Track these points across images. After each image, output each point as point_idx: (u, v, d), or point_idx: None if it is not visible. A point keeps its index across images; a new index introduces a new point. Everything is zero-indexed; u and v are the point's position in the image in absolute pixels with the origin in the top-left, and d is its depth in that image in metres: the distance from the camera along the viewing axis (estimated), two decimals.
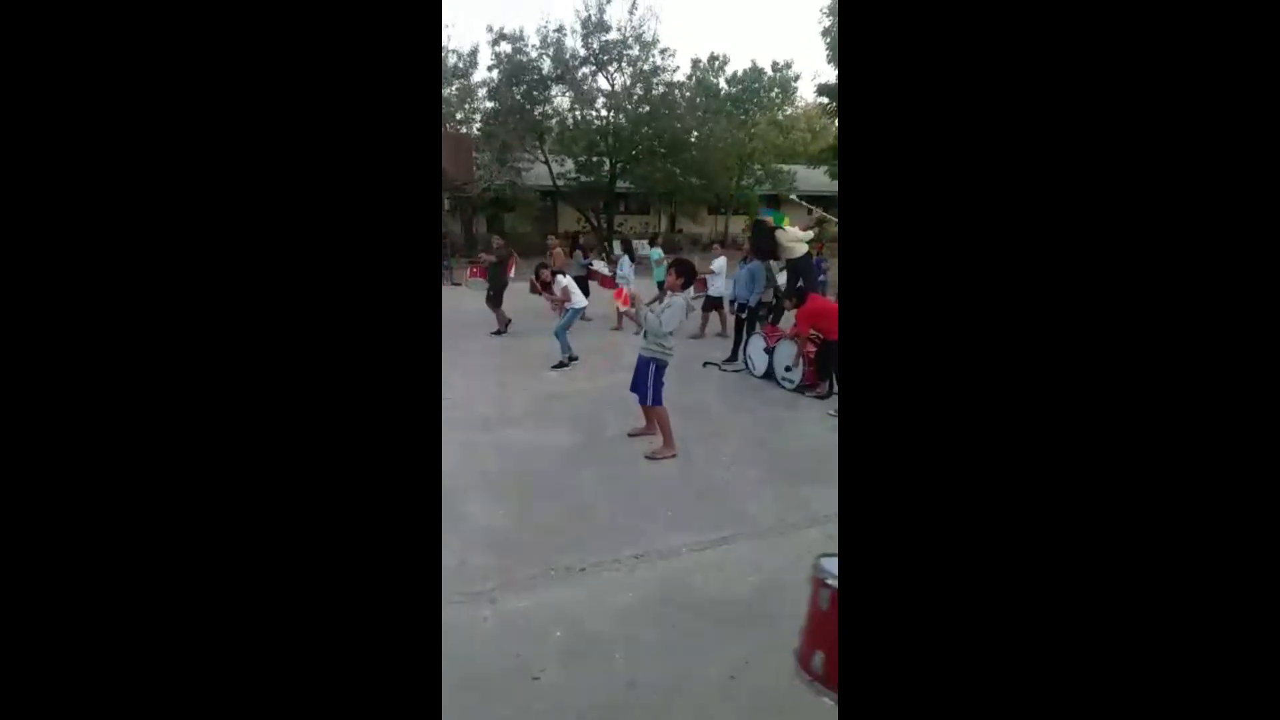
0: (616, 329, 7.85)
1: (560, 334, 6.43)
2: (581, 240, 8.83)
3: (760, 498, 3.51)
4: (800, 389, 5.50)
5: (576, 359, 6.42)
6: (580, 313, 6.78)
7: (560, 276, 6.72)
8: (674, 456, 4.04)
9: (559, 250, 8.01)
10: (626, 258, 8.65)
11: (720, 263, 7.83)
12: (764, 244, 6.38)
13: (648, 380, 4.01)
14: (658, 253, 9.20)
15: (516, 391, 5.62)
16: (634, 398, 4.15)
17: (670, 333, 3.99)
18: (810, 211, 6.91)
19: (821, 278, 7.28)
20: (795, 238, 6.32)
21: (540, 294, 7.01)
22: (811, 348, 5.45)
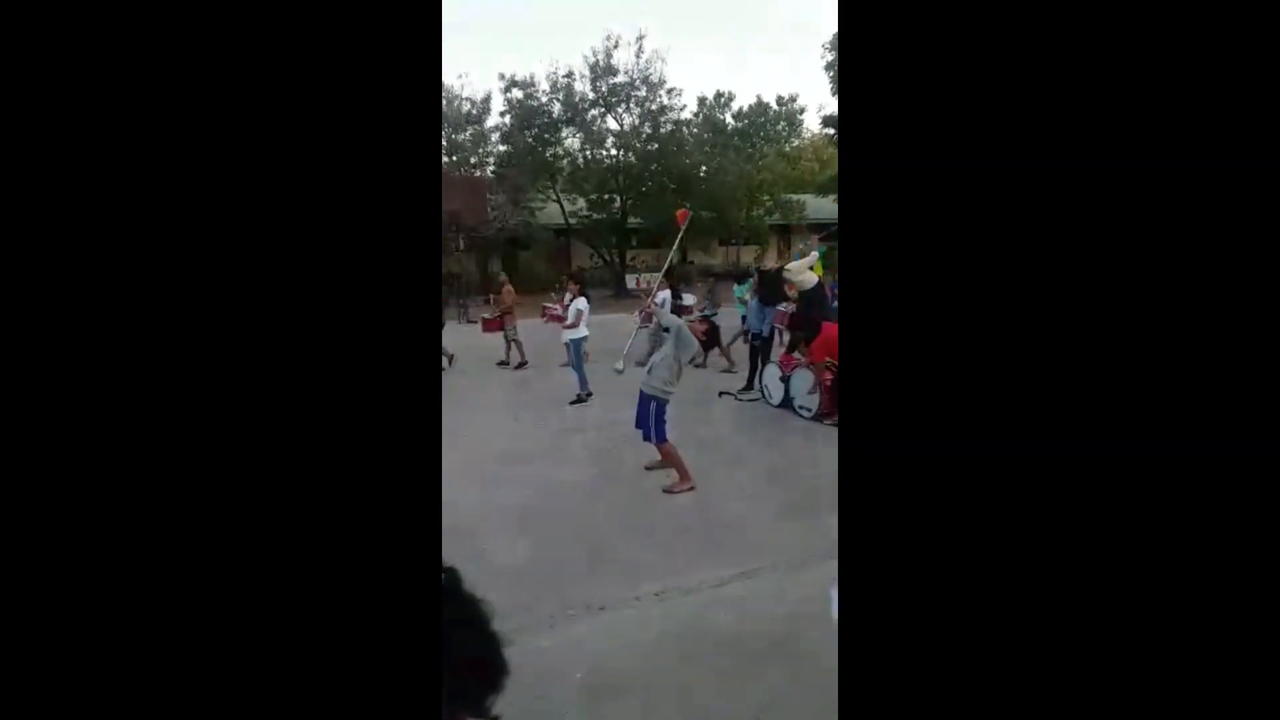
0: (512, 364, 8.09)
1: (578, 369, 6.46)
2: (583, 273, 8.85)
3: (780, 529, 3.46)
4: (818, 417, 5.45)
5: (592, 394, 6.43)
6: (582, 343, 6.78)
7: (581, 300, 6.79)
8: (692, 489, 4.00)
9: (509, 289, 8.14)
10: (584, 299, 8.60)
11: (665, 295, 7.84)
12: (768, 292, 6.53)
13: (649, 418, 4.04)
14: (743, 288, 9.05)
15: (534, 427, 5.64)
16: (641, 434, 4.17)
17: (678, 365, 4.01)
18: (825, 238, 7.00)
19: (835, 304, 7.28)
20: (802, 268, 6.40)
21: (496, 330, 8.01)
22: (829, 376, 5.42)
